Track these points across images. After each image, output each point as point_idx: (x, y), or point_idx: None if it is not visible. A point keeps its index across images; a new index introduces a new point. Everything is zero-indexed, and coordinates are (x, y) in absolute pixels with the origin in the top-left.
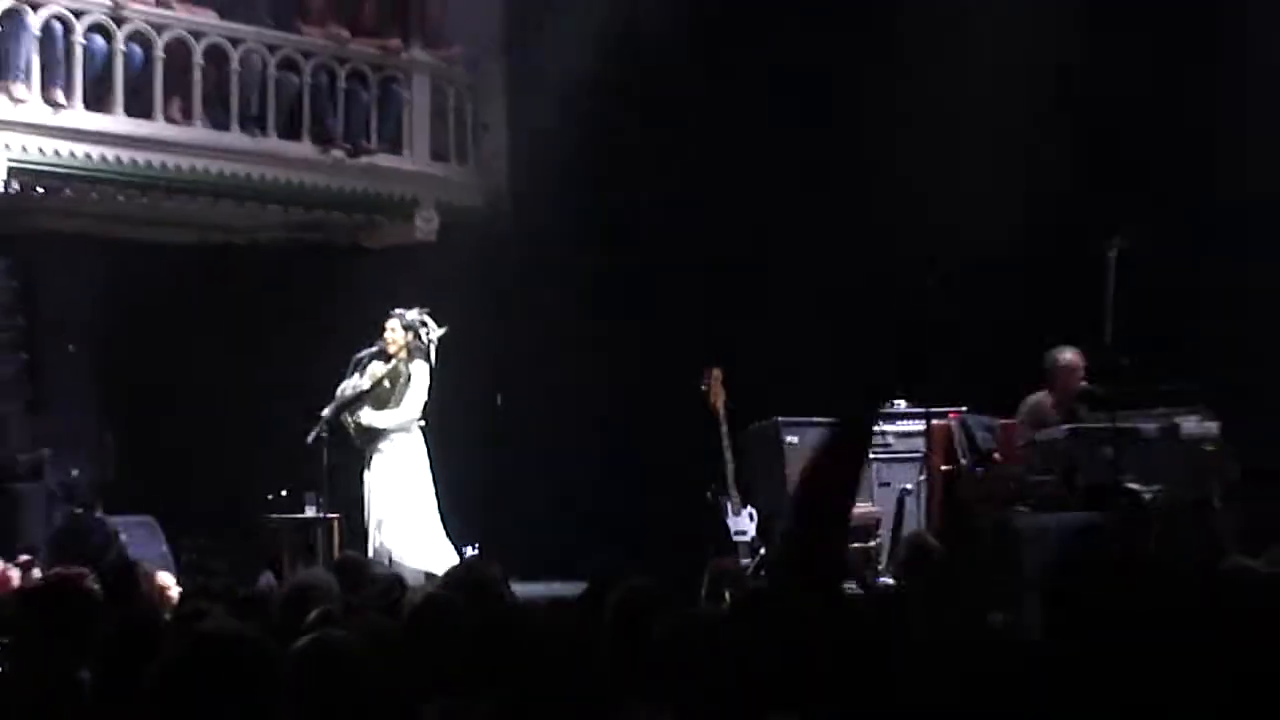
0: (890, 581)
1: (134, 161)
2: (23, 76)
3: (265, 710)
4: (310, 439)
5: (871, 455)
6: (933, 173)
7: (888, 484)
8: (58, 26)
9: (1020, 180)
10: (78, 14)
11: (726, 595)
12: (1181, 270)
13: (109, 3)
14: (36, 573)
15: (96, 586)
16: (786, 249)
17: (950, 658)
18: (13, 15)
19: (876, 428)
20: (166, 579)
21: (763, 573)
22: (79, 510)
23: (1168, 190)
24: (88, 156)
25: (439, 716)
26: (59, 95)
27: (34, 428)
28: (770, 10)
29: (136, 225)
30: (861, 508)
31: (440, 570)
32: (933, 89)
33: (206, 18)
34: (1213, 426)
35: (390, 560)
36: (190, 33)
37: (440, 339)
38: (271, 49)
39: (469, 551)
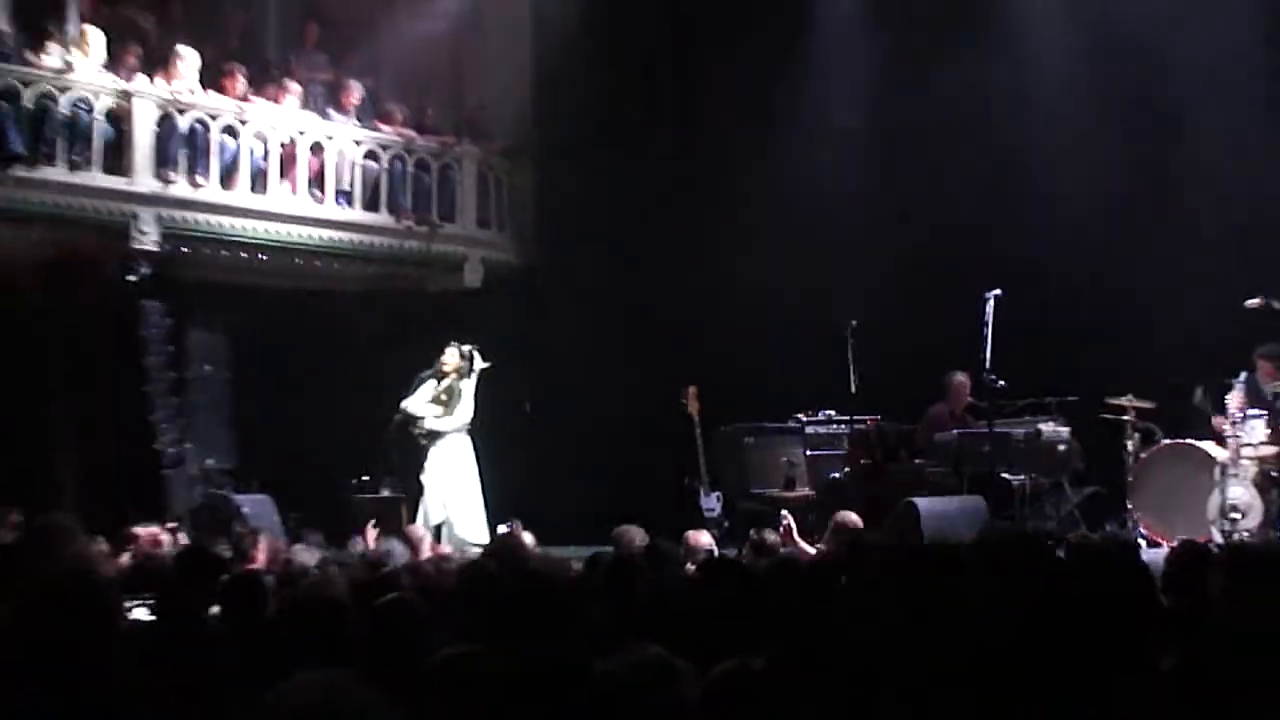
0: (821, 548)
1: (254, 228)
2: (174, 164)
3: (344, 646)
4: (386, 436)
5: (808, 451)
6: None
7: (821, 474)
8: (199, 127)
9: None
10: (214, 116)
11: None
12: (1038, 314)
13: (237, 108)
14: (182, 538)
15: (226, 550)
16: (744, 293)
17: (865, 604)
18: (168, 119)
19: (813, 430)
20: (280, 543)
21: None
22: (213, 490)
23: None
24: (220, 224)
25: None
26: (200, 178)
27: (180, 429)
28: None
29: (256, 275)
30: (800, 491)
31: (483, 538)
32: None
33: (307, 119)
34: (1064, 430)
35: (451, 530)
36: (298, 130)
37: (483, 371)
38: (358, 143)
39: (507, 526)
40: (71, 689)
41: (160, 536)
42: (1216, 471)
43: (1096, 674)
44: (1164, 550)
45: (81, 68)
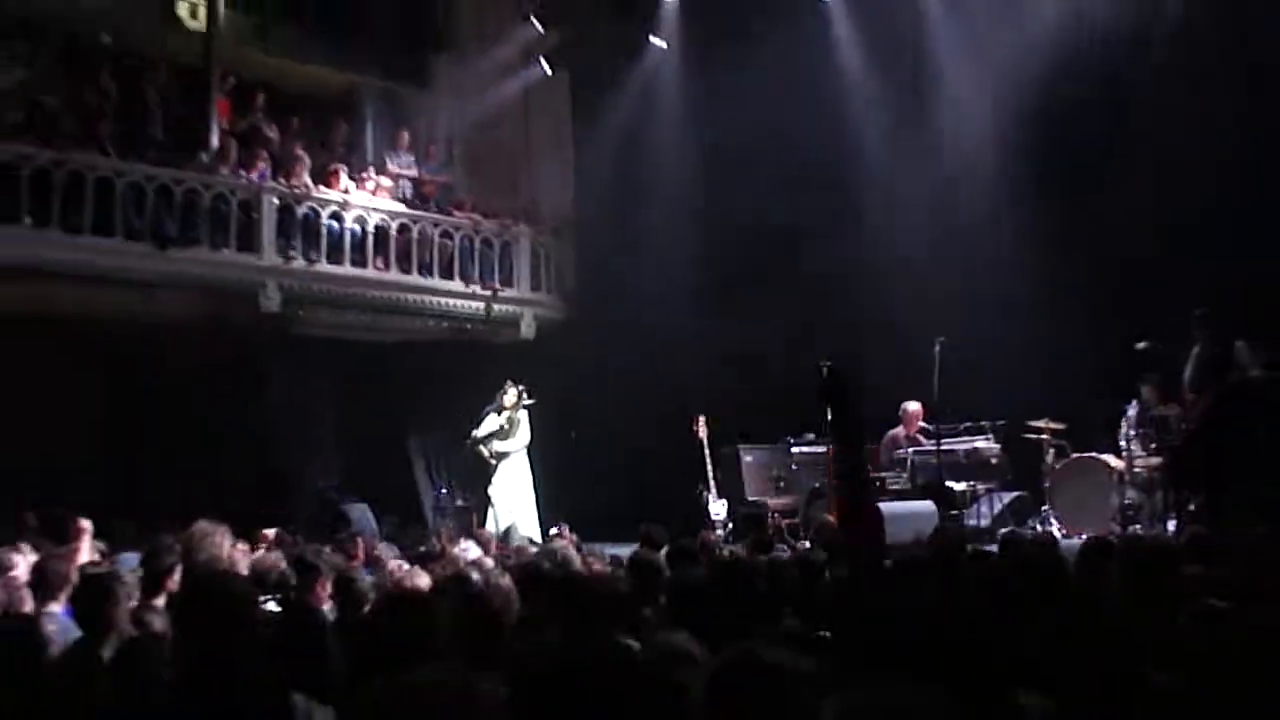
0: (806, 545)
1: (355, 294)
2: (292, 244)
3: (430, 636)
4: (459, 457)
5: (793, 466)
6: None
7: (803, 484)
8: (312, 214)
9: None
10: (323, 205)
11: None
12: (974, 353)
13: (341, 199)
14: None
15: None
16: (738, 341)
17: (841, 589)
18: (287, 208)
19: (797, 449)
20: (374, 543)
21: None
22: (325, 499)
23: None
24: (328, 291)
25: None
26: (312, 254)
27: (298, 453)
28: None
29: (357, 331)
30: (786, 499)
31: (537, 537)
32: None
33: (397, 207)
34: (996, 447)
35: (514, 531)
36: (388, 214)
37: (529, 407)
38: (436, 225)
39: (557, 529)
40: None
41: (282, 537)
42: (1115, 478)
43: (1025, 640)
44: (1076, 542)
45: (221, 169)
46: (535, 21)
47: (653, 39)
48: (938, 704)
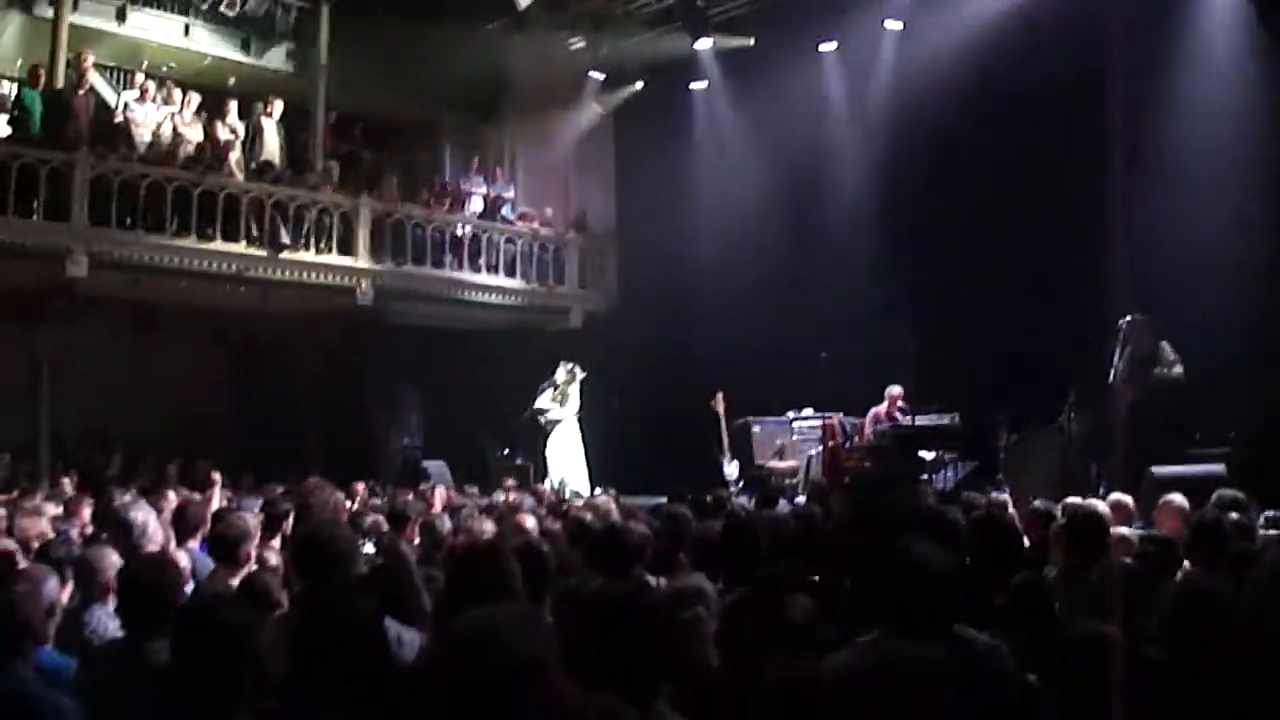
0: (802, 500)
1: (436, 289)
2: (384, 249)
3: (501, 580)
4: (519, 423)
5: (794, 436)
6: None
7: (802, 451)
8: (400, 225)
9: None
10: (409, 218)
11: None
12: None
13: (424, 213)
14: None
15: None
16: (753, 328)
17: (830, 537)
18: (379, 220)
19: (798, 422)
20: (451, 493)
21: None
22: (408, 458)
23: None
24: (413, 288)
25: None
26: (399, 258)
27: (387, 420)
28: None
29: (435, 320)
30: (789, 463)
31: (586, 492)
32: None
33: (471, 218)
34: (959, 423)
35: (564, 486)
36: (462, 225)
37: (582, 380)
38: (501, 233)
39: (601, 490)
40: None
41: (374, 490)
42: (1058, 452)
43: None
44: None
45: (325, 187)
46: (592, 74)
47: (692, 86)
48: (930, 654)
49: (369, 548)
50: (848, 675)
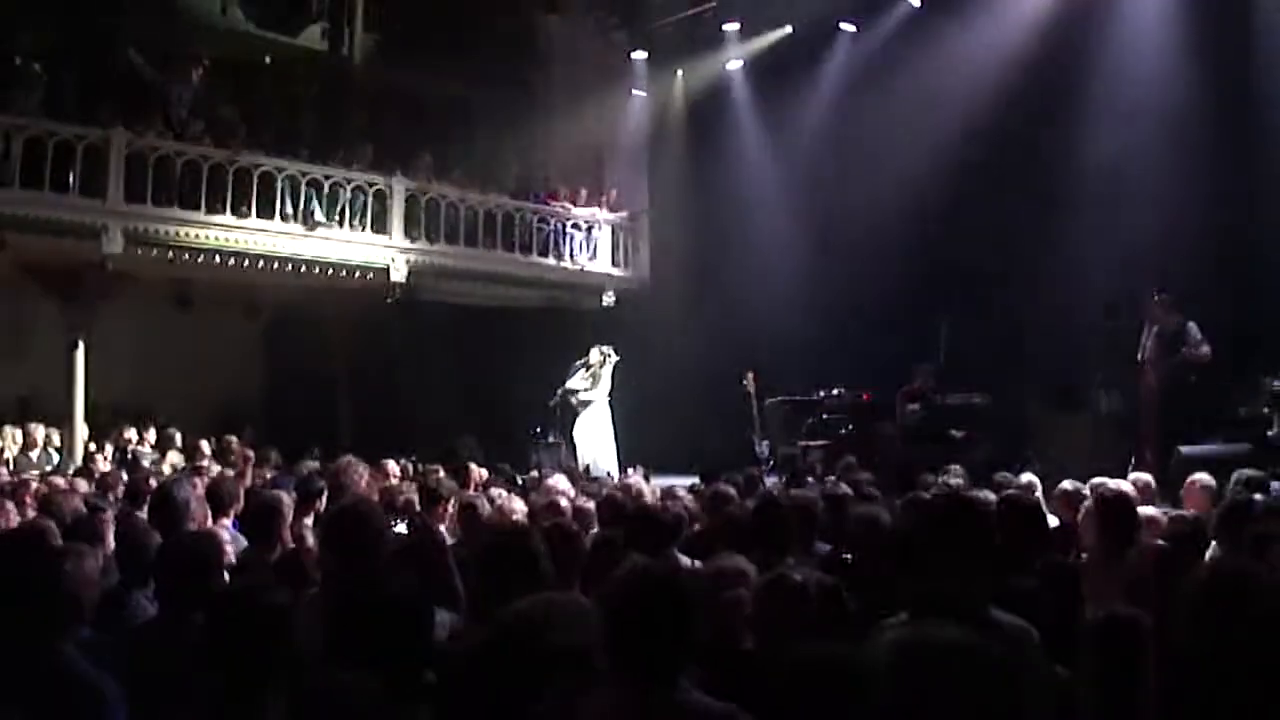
0: (832, 480)
1: (469, 267)
2: (417, 228)
3: (533, 565)
4: (552, 403)
5: (824, 415)
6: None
7: (832, 429)
8: (432, 204)
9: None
10: (443, 197)
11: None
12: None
13: (458, 193)
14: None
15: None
16: (783, 307)
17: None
18: (412, 199)
19: (828, 400)
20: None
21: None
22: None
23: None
24: (446, 265)
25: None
26: (433, 236)
27: (419, 395)
28: None
29: (466, 296)
30: (819, 441)
31: (616, 472)
32: None
33: (502, 197)
34: (989, 401)
35: (594, 465)
36: (496, 204)
37: (616, 363)
38: (534, 212)
39: (633, 469)
40: (356, 577)
41: (406, 468)
42: (1090, 430)
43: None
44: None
45: (358, 165)
46: (622, 44)
47: (727, 65)
48: (963, 637)
49: (401, 527)
50: (882, 656)
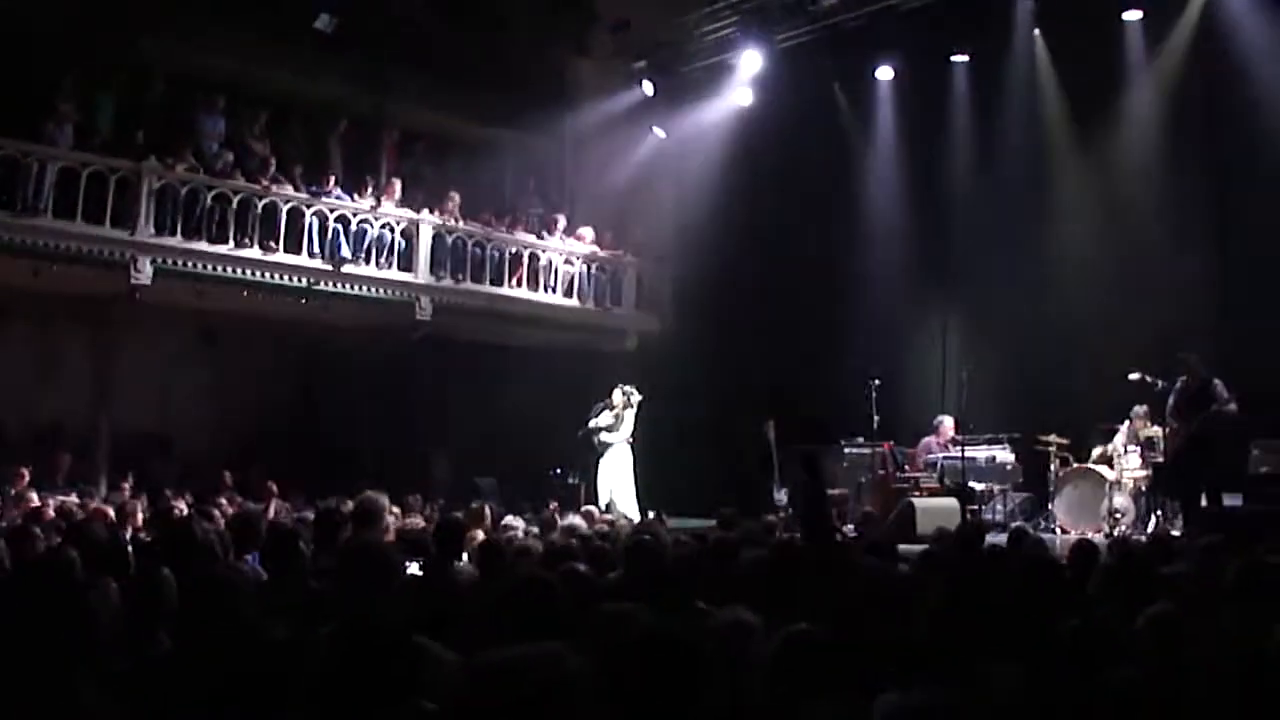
0: (850, 529)
1: (495, 306)
2: (443, 266)
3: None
4: (580, 434)
5: (845, 464)
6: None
7: (852, 479)
8: (459, 243)
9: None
10: (470, 236)
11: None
12: (995, 379)
13: (484, 231)
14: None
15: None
16: (805, 356)
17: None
18: (439, 237)
19: (849, 450)
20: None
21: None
22: (460, 473)
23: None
24: (471, 304)
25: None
26: (459, 275)
27: (439, 434)
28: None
29: (492, 335)
30: (839, 490)
31: (636, 515)
32: None
33: (528, 238)
34: (1010, 456)
35: (614, 507)
36: (521, 244)
37: (639, 402)
38: (560, 254)
39: (652, 513)
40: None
41: (419, 506)
42: (1107, 486)
43: (1022, 619)
44: (1072, 537)
45: (386, 203)
46: (646, 85)
47: (738, 100)
48: (971, 706)
49: (414, 568)
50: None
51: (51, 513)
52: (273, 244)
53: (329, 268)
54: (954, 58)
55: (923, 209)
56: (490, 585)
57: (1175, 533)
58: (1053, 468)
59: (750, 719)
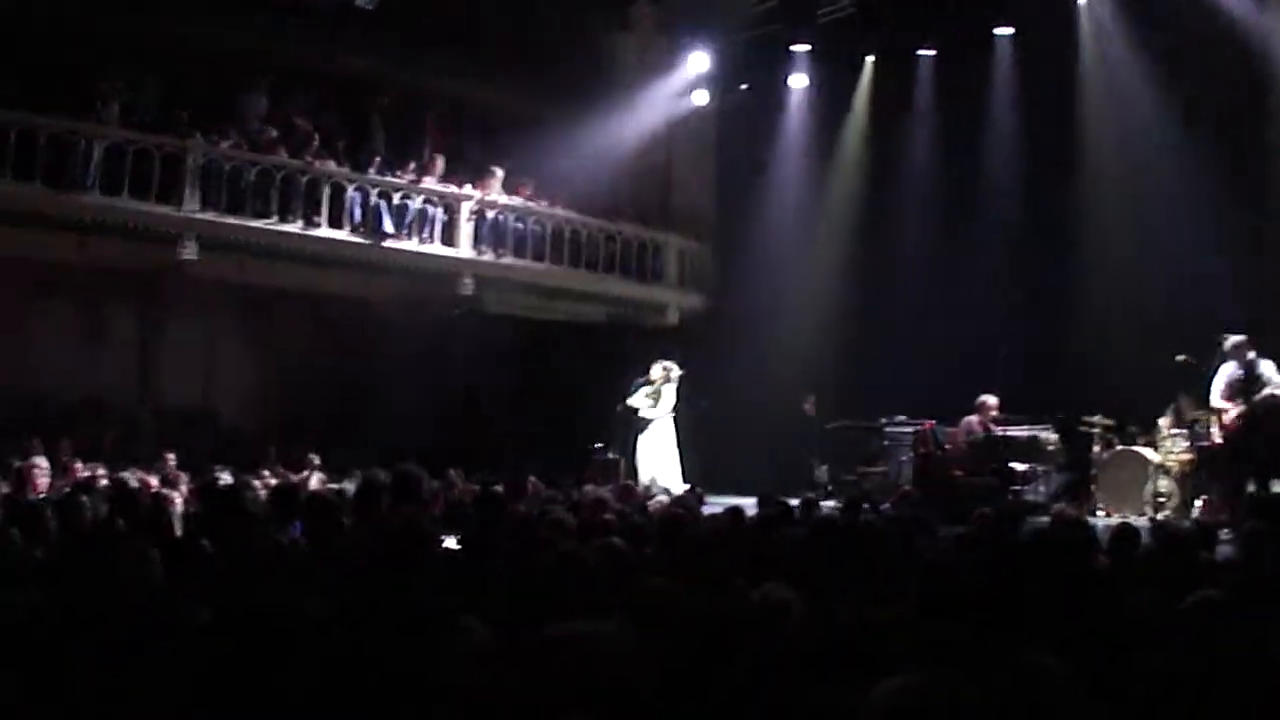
0: (886, 507)
1: (534, 281)
2: (484, 241)
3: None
4: (619, 409)
5: (885, 442)
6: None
7: (892, 457)
8: (500, 218)
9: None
10: (511, 211)
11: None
12: (1039, 360)
13: (525, 207)
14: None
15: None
16: (848, 330)
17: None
18: (480, 213)
19: (890, 428)
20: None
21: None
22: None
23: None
24: (511, 279)
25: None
26: (500, 250)
27: (480, 408)
28: None
29: (532, 310)
30: (879, 468)
31: (678, 488)
32: None
33: (570, 213)
34: (1053, 436)
35: (654, 483)
36: (563, 219)
37: (680, 376)
38: (601, 229)
39: (689, 487)
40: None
41: (455, 482)
42: (1150, 470)
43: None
44: (1114, 520)
45: (428, 179)
46: (690, 60)
47: (790, 80)
48: (978, 690)
49: (451, 542)
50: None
51: (104, 482)
52: (316, 219)
53: (371, 243)
54: (997, 30)
55: (962, 186)
56: (525, 560)
57: (1221, 518)
58: (1096, 449)
59: (784, 696)
